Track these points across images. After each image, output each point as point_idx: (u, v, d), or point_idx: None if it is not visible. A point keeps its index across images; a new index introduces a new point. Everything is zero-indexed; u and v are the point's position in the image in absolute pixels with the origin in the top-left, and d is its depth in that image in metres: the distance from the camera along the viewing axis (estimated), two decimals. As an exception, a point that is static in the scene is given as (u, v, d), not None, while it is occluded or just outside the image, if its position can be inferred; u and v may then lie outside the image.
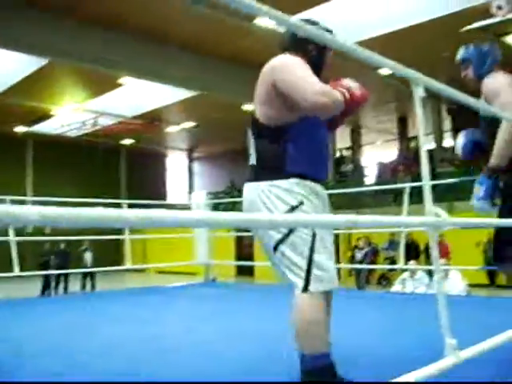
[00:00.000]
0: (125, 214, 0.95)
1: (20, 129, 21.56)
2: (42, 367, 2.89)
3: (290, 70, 2.23)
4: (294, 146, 2.28)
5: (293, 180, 2.23)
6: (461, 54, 3.18)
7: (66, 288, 14.56)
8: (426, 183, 1.78)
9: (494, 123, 2.88)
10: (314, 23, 2.33)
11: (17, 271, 5.89)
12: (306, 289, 2.14)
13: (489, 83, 3.09)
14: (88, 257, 15.03)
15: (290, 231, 2.18)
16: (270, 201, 2.23)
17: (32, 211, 0.83)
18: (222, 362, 2.93)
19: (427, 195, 1.74)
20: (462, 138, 3.48)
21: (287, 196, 2.22)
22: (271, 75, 2.28)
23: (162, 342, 3.52)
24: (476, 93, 2.98)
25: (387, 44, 12.99)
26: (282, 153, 2.27)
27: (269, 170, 2.29)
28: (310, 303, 2.14)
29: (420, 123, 1.90)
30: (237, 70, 15.22)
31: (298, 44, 2.36)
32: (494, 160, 2.88)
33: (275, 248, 2.22)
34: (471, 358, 1.85)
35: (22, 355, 3.16)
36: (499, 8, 10.23)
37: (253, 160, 2.38)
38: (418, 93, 1.83)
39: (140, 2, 11.58)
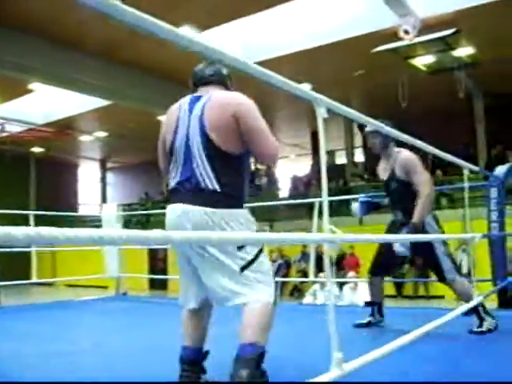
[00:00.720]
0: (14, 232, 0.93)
1: None
2: None
3: (257, 116, 2.49)
4: (246, 176, 2.52)
5: (246, 210, 2.46)
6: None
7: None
8: (325, 199, 1.86)
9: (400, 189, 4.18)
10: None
11: None
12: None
13: (409, 157, 4.17)
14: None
15: (257, 255, 2.38)
16: (230, 228, 2.34)
17: None
18: (126, 375, 2.89)
19: (325, 211, 1.81)
20: (356, 203, 4.67)
21: (248, 224, 2.41)
22: (236, 110, 2.42)
23: (65, 359, 3.42)
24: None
25: (301, 62, 13.35)
26: (242, 183, 2.47)
27: (231, 198, 2.38)
28: (272, 310, 2.38)
29: (322, 141, 1.98)
30: (152, 81, 15.08)
31: (223, 79, 2.67)
32: (416, 219, 3.92)
33: (242, 270, 2.36)
34: (356, 369, 1.93)
35: None
36: (406, 32, 10.75)
37: (202, 185, 2.38)
38: (321, 113, 1.91)
39: (53, 7, 11.25)
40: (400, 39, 11.10)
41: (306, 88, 1.89)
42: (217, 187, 2.36)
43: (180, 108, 2.58)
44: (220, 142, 2.39)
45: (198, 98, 2.54)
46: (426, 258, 4.34)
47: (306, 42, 13.07)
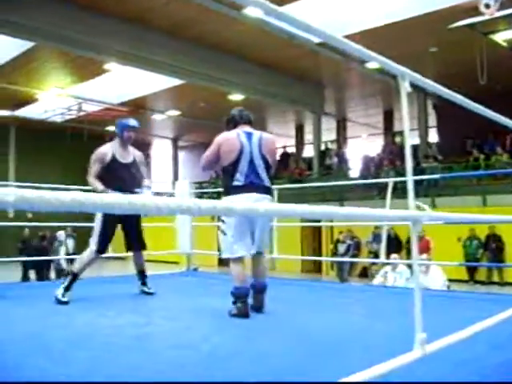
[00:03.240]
0: (107, 198, 0.94)
1: (3, 113, 21.26)
2: (16, 355, 2.88)
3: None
4: None
5: None
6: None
7: (47, 274, 14.47)
8: (410, 178, 1.79)
9: None
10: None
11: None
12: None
13: None
14: (70, 243, 14.93)
15: None
16: None
17: (9, 192, 0.82)
18: (195, 352, 2.93)
19: (410, 189, 1.75)
20: None
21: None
22: (273, 147, 4.44)
23: (138, 330, 3.51)
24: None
25: (373, 39, 13.02)
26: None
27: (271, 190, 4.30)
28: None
29: (405, 117, 1.90)
30: (223, 59, 15.15)
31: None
32: None
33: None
34: (438, 351, 1.88)
35: None
36: (487, 6, 10.29)
37: (266, 183, 4.15)
38: (405, 87, 1.83)
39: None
40: (480, 14, 10.68)
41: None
42: (269, 185, 4.18)
43: (239, 137, 4.15)
44: (269, 161, 4.21)
45: (250, 133, 4.23)
46: None
47: (380, 19, 12.74)
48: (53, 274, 10.75)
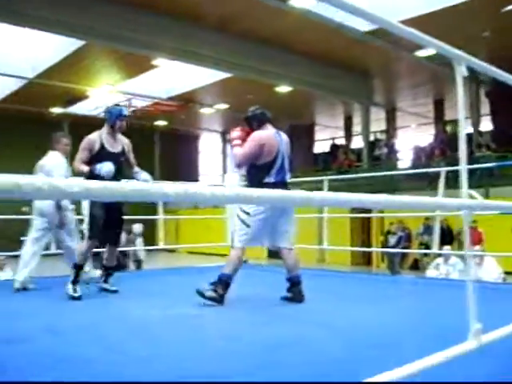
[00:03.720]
0: (166, 188, 0.97)
1: (56, 110, 21.87)
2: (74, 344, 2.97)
3: None
4: None
5: None
6: None
7: (125, 266, 14.88)
8: (463, 167, 1.76)
9: None
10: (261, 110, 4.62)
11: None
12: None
13: None
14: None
15: None
16: None
17: (74, 184, 0.86)
18: (246, 343, 2.96)
19: (464, 178, 1.71)
20: None
21: None
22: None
23: (190, 321, 3.57)
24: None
25: (425, 25, 12.72)
26: None
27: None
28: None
29: (461, 103, 1.87)
30: (271, 52, 15.13)
31: None
32: None
33: None
34: (493, 342, 1.84)
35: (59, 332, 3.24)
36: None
37: (288, 179, 4.41)
38: (461, 72, 1.79)
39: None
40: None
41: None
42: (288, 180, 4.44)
43: (275, 136, 4.37)
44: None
45: (279, 132, 4.47)
46: None
47: (431, 4, 12.47)
48: (132, 266, 11.06)
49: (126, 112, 4.86)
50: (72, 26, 12.05)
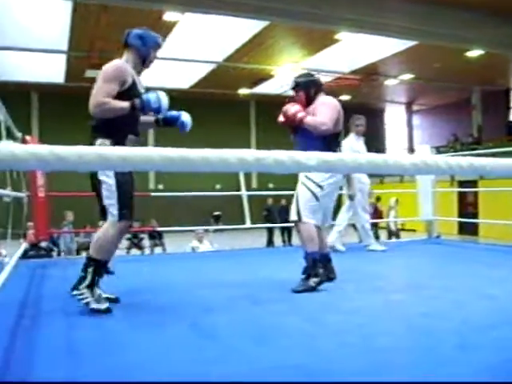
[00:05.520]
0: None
1: (243, 91, 22.84)
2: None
3: None
4: None
5: None
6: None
7: (289, 240, 15.42)
8: None
9: None
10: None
11: (248, 224, 6.34)
12: None
13: None
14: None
15: None
16: None
17: (311, 157, 0.86)
18: (447, 321, 2.82)
19: None
20: None
21: None
22: None
23: (384, 296, 3.50)
24: None
25: None
26: None
27: None
28: None
29: None
30: (460, 15, 14.15)
31: None
32: None
33: None
34: None
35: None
36: None
37: None
38: None
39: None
40: None
41: None
42: None
43: None
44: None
45: None
46: None
47: None
48: (296, 240, 11.46)
49: (161, 41, 3.53)
50: (256, 8, 12.35)
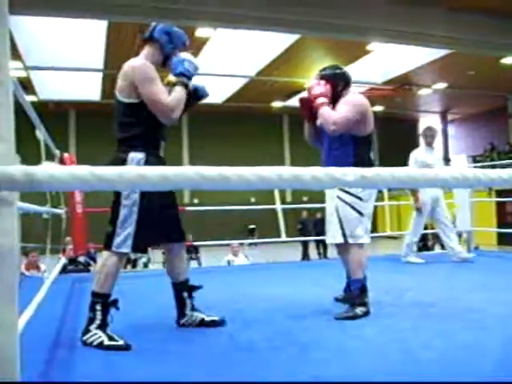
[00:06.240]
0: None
1: (276, 104, 22.94)
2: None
3: None
4: None
5: None
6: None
7: (325, 253, 15.37)
8: None
9: None
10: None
11: (284, 237, 6.34)
12: None
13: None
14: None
15: None
16: None
17: (347, 173, 0.86)
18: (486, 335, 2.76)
19: None
20: None
21: None
22: None
23: (420, 309, 3.45)
24: None
25: None
26: None
27: None
28: None
29: None
30: (494, 22, 13.96)
31: None
32: None
33: None
34: None
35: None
36: None
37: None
38: None
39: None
40: None
41: None
42: None
43: None
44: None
45: None
46: None
47: None
48: (333, 253, 11.43)
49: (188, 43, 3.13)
50: (287, 22, 12.40)
